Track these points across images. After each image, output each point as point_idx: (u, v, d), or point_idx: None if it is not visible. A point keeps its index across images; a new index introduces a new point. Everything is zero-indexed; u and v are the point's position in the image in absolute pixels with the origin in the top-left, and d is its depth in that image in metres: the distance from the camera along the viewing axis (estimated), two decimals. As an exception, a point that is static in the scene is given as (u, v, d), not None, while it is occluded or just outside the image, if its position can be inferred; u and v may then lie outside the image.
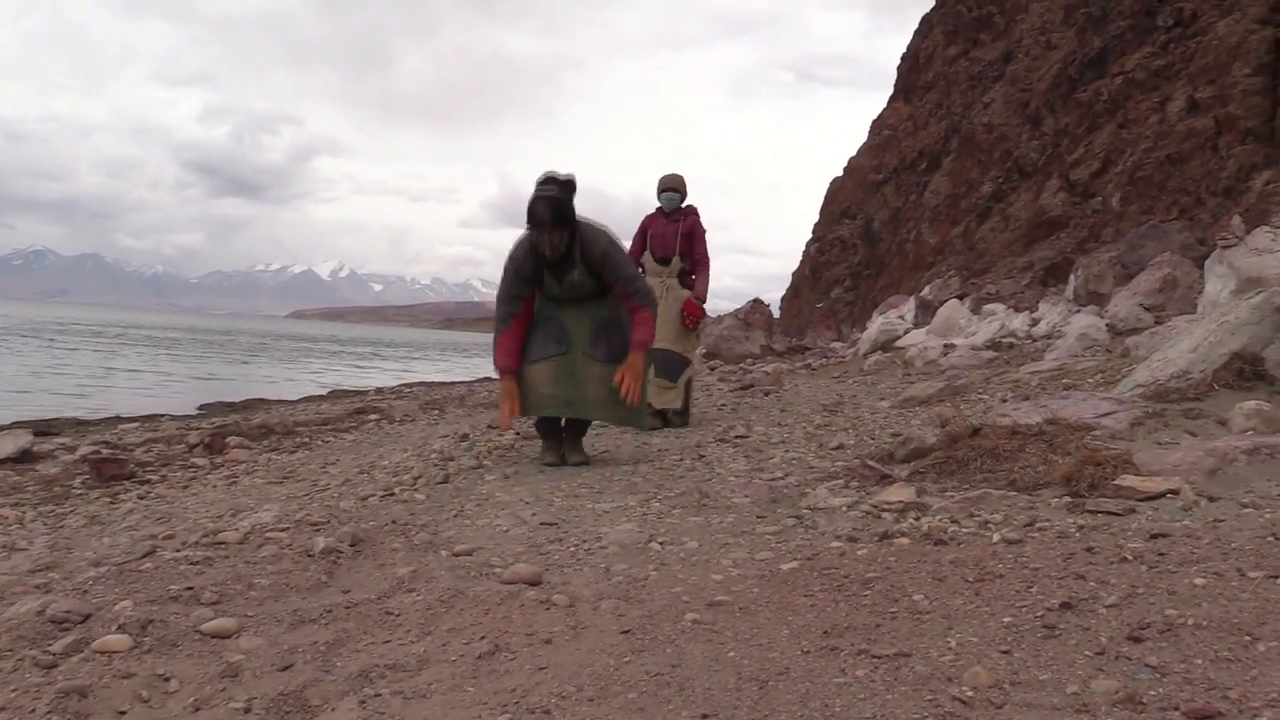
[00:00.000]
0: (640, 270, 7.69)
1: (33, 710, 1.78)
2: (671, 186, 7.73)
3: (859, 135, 50.17)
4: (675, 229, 7.61)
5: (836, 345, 22.76)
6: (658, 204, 7.78)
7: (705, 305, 7.65)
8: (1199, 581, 2.12)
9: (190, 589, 2.52)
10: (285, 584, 2.63)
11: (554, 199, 4.92)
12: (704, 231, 7.73)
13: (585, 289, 5.14)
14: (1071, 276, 15.19)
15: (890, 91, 47.60)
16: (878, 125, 47.14)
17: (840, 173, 49.53)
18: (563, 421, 5.34)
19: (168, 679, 1.93)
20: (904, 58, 46.21)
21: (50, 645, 2.08)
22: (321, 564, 2.83)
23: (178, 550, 3.07)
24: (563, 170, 5.07)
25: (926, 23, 44.11)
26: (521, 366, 5.12)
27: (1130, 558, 2.33)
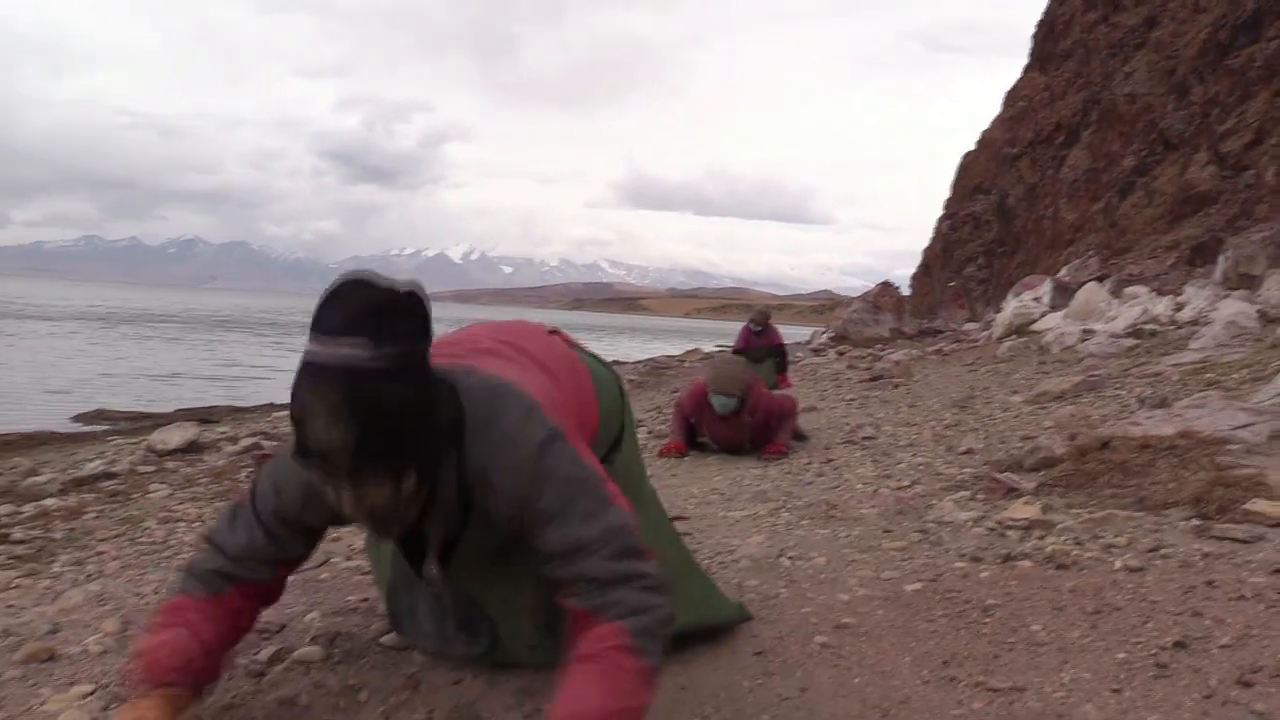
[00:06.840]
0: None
1: (254, 719, 2.08)
2: (724, 390, 6.17)
3: (992, 107, 48.77)
4: (741, 429, 6.26)
5: (970, 327, 22.34)
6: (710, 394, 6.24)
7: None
8: (1315, 625, 2.19)
9: (365, 600, 2.82)
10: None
11: (352, 376, 1.57)
12: (775, 404, 6.37)
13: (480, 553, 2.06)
14: (1220, 258, 14.59)
15: (1025, 60, 46.04)
16: (1012, 96, 45.67)
17: (973, 146, 48.26)
18: None
19: (358, 690, 2.20)
20: (1039, 25, 44.59)
21: (256, 654, 2.39)
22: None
23: (348, 559, 3.41)
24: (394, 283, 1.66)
25: (1064, -12, 42.44)
26: None
27: (1249, 595, 2.41)
